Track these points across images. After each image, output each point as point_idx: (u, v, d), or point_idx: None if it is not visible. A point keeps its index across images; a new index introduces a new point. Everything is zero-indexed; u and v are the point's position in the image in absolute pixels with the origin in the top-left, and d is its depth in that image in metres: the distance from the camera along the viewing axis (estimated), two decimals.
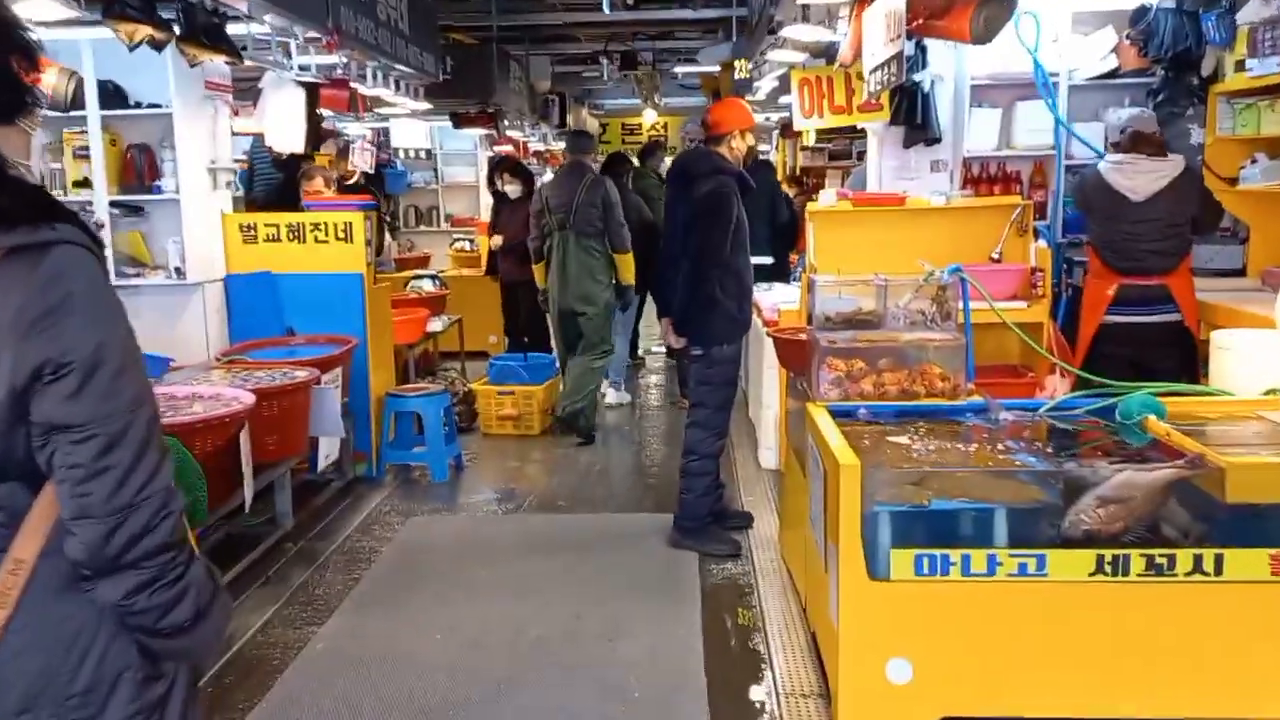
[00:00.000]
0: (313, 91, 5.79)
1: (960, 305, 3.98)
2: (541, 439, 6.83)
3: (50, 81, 3.67)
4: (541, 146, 16.24)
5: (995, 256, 5.13)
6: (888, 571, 3.06)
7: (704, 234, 4.45)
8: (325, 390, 4.90)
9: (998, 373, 5.10)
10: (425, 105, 7.85)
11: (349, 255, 5.76)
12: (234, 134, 7.12)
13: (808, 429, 3.76)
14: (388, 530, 5.06)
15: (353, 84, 6.10)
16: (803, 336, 4.41)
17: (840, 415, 3.72)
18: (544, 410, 6.91)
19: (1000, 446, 3.40)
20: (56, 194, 5.44)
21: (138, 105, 5.44)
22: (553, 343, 7.30)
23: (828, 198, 5.31)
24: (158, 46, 3.93)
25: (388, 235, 11.93)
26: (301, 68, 5.65)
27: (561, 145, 18.23)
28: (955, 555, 3.04)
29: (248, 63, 5.54)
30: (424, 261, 10.99)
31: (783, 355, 4.61)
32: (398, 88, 6.98)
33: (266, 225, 5.78)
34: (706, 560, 4.58)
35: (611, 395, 7.66)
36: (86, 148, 5.39)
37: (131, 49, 3.91)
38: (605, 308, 6.71)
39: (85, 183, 5.42)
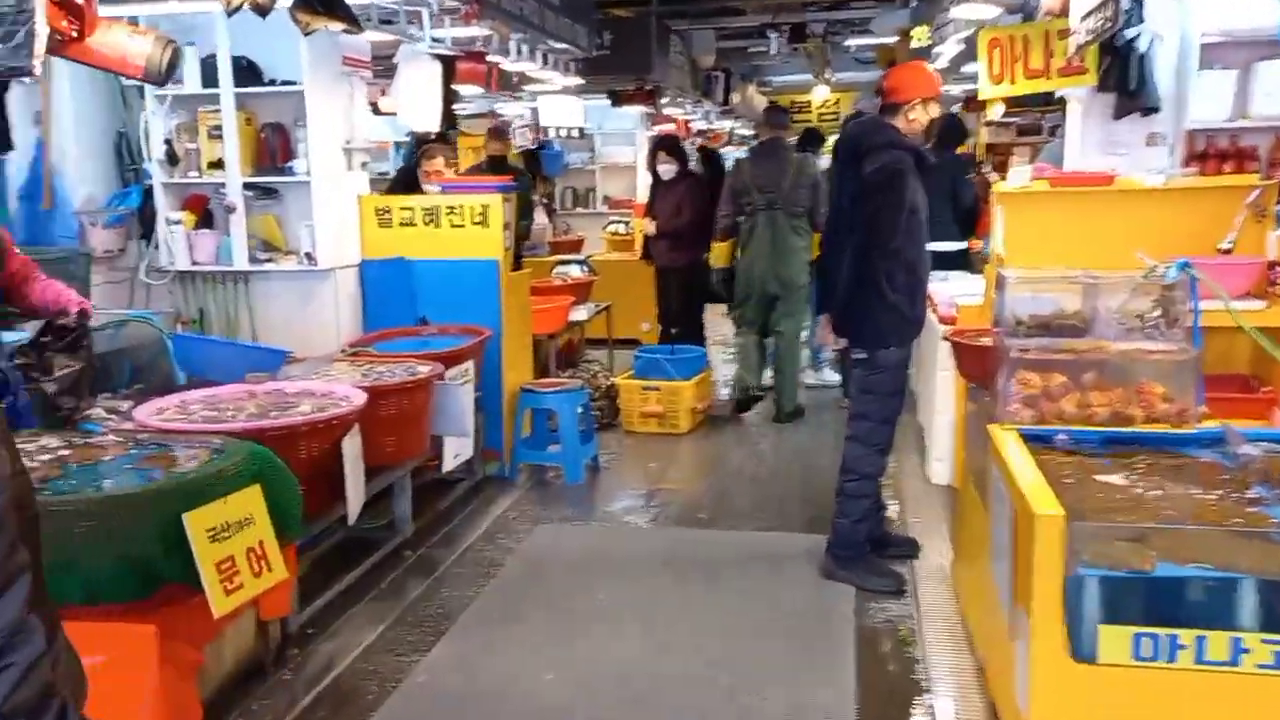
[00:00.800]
0: (449, 66, 5.44)
1: (1189, 308, 3.24)
2: (687, 439, 6.34)
3: (144, 51, 3.42)
4: (705, 125, 15.68)
5: (1225, 247, 4.27)
6: (1095, 653, 2.42)
7: (871, 217, 3.83)
8: (450, 387, 4.54)
9: (1222, 384, 4.25)
10: (576, 81, 7.44)
11: (485, 240, 5.39)
12: (380, 114, 6.92)
13: (991, 456, 3.12)
14: (513, 539, 4.67)
15: (494, 58, 5.72)
16: (987, 342, 3.75)
17: (1033, 441, 3.06)
18: (691, 408, 6.41)
19: (1248, 494, 2.67)
20: (192, 175, 5.28)
21: (271, 82, 5.21)
22: (735, 325, 6.96)
23: (1020, 177, 4.57)
24: (261, 11, 3.61)
25: (543, 217, 11.68)
26: (436, 40, 5.30)
27: (727, 124, 17.67)
28: (1187, 637, 2.38)
29: (383, 35, 5.24)
30: (578, 245, 10.67)
31: (963, 363, 3.95)
32: (545, 62, 6.58)
33: (401, 209, 5.48)
34: (864, 596, 3.97)
35: (811, 375, 7.37)
36: (221, 127, 5.20)
37: (230, 13, 3.61)
38: (803, 289, 6.54)
39: (221, 164, 5.24)
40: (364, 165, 5.52)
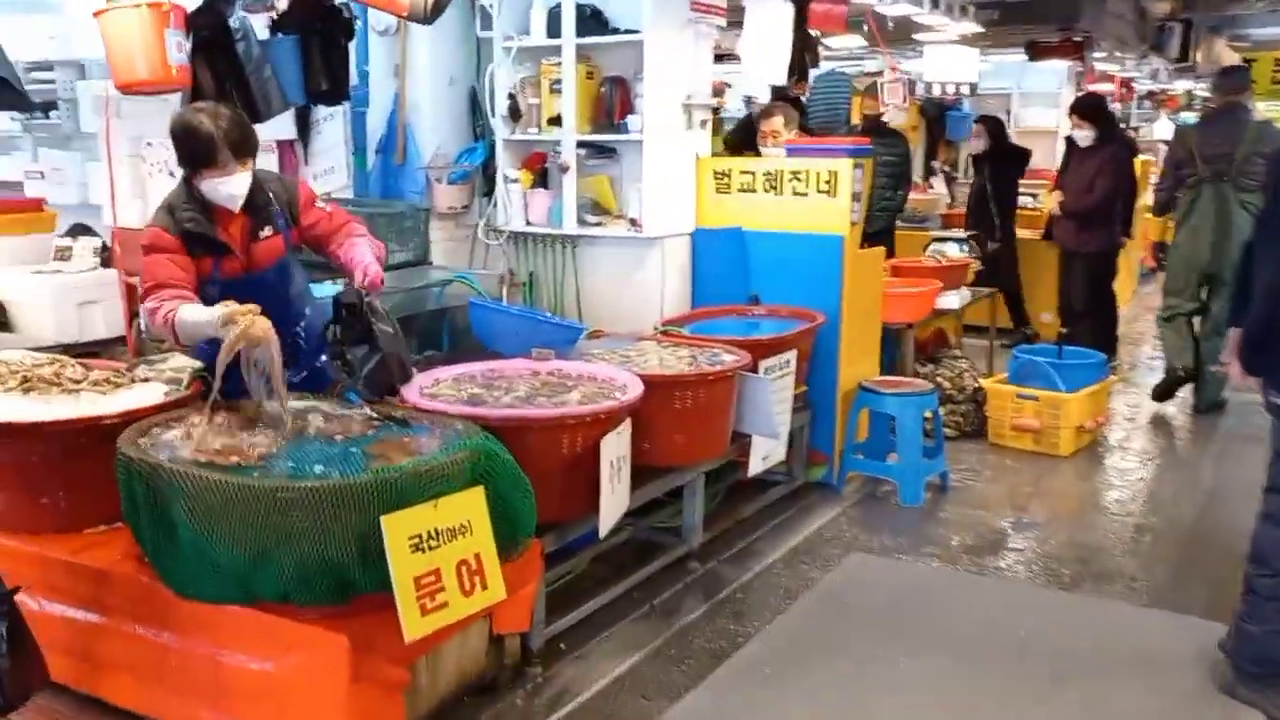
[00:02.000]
0: (801, 9, 4.73)
1: None
2: (1067, 464, 5.21)
3: None
4: (1152, 85, 13.50)
5: None
6: None
7: None
8: (758, 381, 3.92)
9: None
10: (973, 28, 6.39)
11: (830, 212, 4.67)
12: None
13: None
14: (818, 565, 3.97)
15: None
16: None
17: None
18: (1076, 426, 5.26)
19: None
20: (532, 132, 5.05)
21: (614, 31, 4.82)
22: (1162, 310, 6.16)
23: None
24: None
25: (942, 186, 10.59)
26: None
27: (1183, 85, 15.14)
28: None
29: None
30: None
31: None
32: (934, 5, 5.64)
33: (741, 173, 4.90)
34: None
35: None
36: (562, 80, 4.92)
37: None
38: None
39: (560, 120, 4.96)
40: (704, 124, 4.99)
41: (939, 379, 5.51)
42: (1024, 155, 7.99)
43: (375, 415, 3.02)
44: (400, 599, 2.43)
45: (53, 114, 6.49)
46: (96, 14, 3.55)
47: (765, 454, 4.19)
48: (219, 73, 3.87)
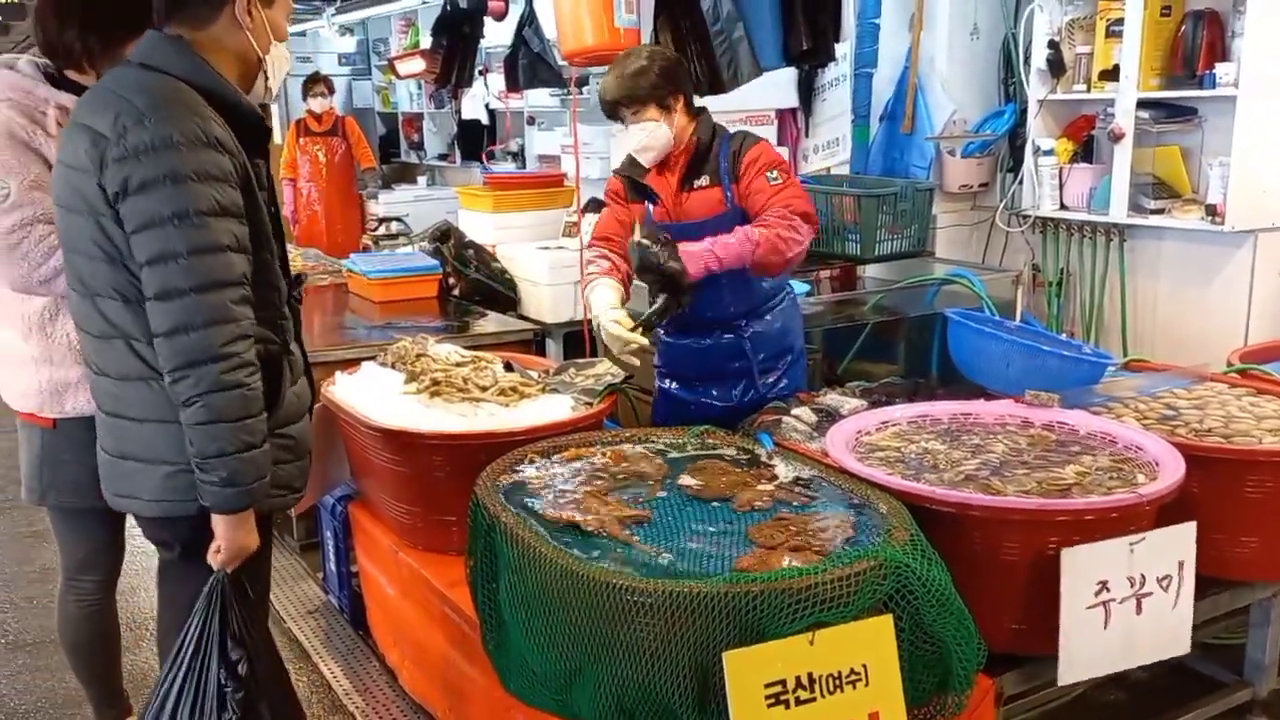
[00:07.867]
0: None
1: None
2: None
3: None
4: None
5: None
6: None
7: None
8: None
9: None
10: None
11: None
12: None
13: None
14: None
15: None
16: None
17: None
18: None
19: None
20: (1078, 90, 3.93)
21: None
22: None
23: None
24: None
25: None
26: None
27: None
28: None
29: None
30: None
31: None
32: None
33: None
34: None
35: None
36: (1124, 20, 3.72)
37: None
38: None
39: (1116, 72, 3.77)
40: None
41: None
42: None
43: (785, 474, 2.31)
44: None
45: (584, 89, 6.57)
46: None
47: None
48: (681, 35, 3.35)
